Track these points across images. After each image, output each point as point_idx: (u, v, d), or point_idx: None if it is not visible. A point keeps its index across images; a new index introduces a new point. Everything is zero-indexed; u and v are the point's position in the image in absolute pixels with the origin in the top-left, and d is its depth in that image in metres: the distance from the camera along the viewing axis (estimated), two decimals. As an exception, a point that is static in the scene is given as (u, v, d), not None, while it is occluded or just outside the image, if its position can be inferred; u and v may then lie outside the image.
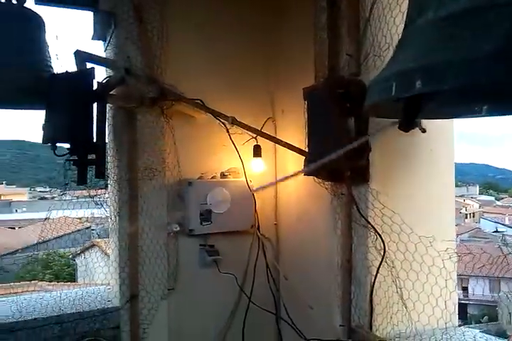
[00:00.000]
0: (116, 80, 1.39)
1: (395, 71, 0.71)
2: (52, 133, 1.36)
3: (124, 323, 1.56)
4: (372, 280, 1.13)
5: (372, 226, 1.12)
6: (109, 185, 1.59)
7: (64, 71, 1.39)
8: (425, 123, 0.84)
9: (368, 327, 1.14)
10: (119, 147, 1.55)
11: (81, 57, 1.40)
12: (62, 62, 1.42)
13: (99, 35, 1.69)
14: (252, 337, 1.73)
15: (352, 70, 1.23)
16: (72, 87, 1.35)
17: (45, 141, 1.37)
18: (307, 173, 1.24)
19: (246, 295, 1.70)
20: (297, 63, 1.66)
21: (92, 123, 1.38)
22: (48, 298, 1.65)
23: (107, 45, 1.70)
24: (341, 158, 1.00)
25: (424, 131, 0.82)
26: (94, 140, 1.39)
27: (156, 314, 1.59)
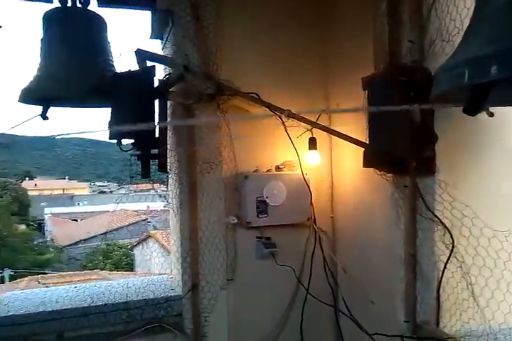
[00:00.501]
0: (176, 77, 1.43)
1: (467, 57, 0.68)
2: (117, 129, 1.42)
3: (186, 311, 1.62)
4: (440, 276, 1.09)
5: (439, 219, 1.07)
6: (170, 179, 1.66)
7: (126, 70, 1.45)
8: (494, 112, 0.79)
9: (435, 324, 1.11)
10: (178, 142, 1.60)
11: (142, 55, 1.45)
12: (124, 61, 1.48)
13: (156, 33, 1.75)
14: (310, 330, 1.73)
15: (414, 57, 1.18)
16: (135, 85, 1.41)
17: (111, 137, 1.44)
18: (367, 165, 1.21)
19: (304, 287, 1.71)
20: (352, 55, 1.63)
21: (154, 120, 1.44)
22: (115, 286, 1.75)
23: (165, 44, 1.75)
24: (406, 149, 0.96)
25: (491, 115, 0.77)
26: (157, 135, 1.45)
27: (215, 303, 1.63)
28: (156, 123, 1.43)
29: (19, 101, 1.47)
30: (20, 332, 1.47)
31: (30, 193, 25.39)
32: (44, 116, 1.47)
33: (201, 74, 1.50)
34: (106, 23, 1.54)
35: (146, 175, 1.50)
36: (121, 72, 1.43)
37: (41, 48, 1.48)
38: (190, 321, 1.62)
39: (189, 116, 1.59)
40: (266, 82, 1.68)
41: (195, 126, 1.59)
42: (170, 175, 1.66)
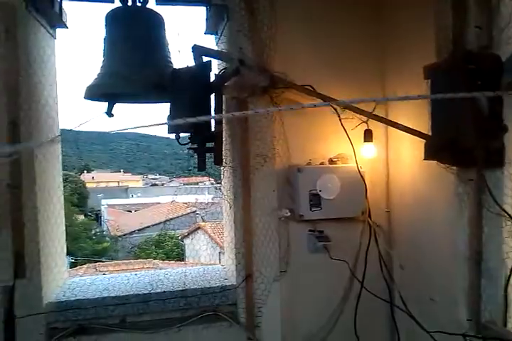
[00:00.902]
0: (231, 71, 1.45)
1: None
2: (176, 124, 1.47)
3: (241, 301, 1.66)
4: (508, 274, 1.03)
5: (508, 214, 1.01)
6: (224, 172, 1.69)
7: (184, 66, 1.49)
8: None
9: (502, 324, 1.05)
10: (233, 135, 1.63)
11: (198, 51, 1.48)
12: (182, 57, 1.52)
13: (211, 29, 1.78)
14: (364, 325, 1.71)
15: (482, 43, 1.11)
16: (192, 81, 1.44)
17: (170, 131, 1.49)
18: (429, 158, 1.17)
19: (359, 282, 1.69)
20: (411, 43, 1.56)
21: (211, 114, 1.47)
22: (173, 274, 1.83)
23: (219, 38, 1.78)
24: (473, 140, 0.91)
25: None
26: (212, 129, 1.48)
27: (269, 294, 1.65)
28: (211, 117, 1.46)
29: (84, 97, 1.56)
30: (86, 315, 1.57)
31: (88, 185, 26.92)
32: (109, 113, 1.55)
33: (255, 68, 1.51)
34: (164, 21, 1.59)
35: (202, 168, 1.54)
36: (180, 68, 1.47)
37: (104, 47, 1.56)
38: (244, 311, 1.66)
39: (243, 110, 1.61)
40: (320, 74, 1.66)
41: (249, 120, 1.61)
42: (224, 168, 1.70)
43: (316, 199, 1.66)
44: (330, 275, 1.73)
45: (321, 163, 1.71)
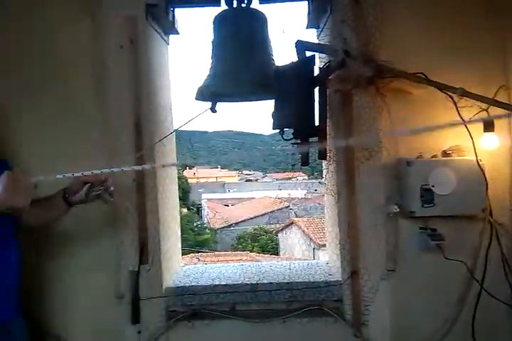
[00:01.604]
0: (336, 64, 1.43)
1: None
2: (280, 120, 1.50)
3: (347, 297, 1.63)
4: None
5: None
6: (327, 166, 1.68)
7: (287, 62, 1.50)
8: None
9: None
10: (336, 129, 1.60)
11: (301, 46, 1.49)
12: (284, 54, 1.54)
13: (313, 22, 1.77)
14: (484, 330, 1.57)
15: None
16: (296, 76, 1.45)
17: (274, 127, 1.53)
18: None
19: (479, 284, 1.55)
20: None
21: (314, 108, 1.47)
22: (278, 267, 1.87)
23: (321, 32, 1.76)
24: None
25: None
26: (316, 123, 1.48)
27: (377, 293, 1.60)
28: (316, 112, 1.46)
29: (195, 99, 1.67)
30: (199, 301, 1.69)
31: (190, 181, 28.83)
32: (213, 109, 1.64)
33: (361, 58, 1.47)
34: (267, 19, 1.63)
35: (305, 163, 1.55)
36: (283, 65, 1.49)
37: (212, 49, 1.65)
38: (350, 308, 1.63)
39: (347, 103, 1.57)
40: (430, 61, 1.55)
41: (354, 112, 1.57)
42: (328, 163, 1.68)
43: (428, 195, 1.56)
44: (444, 276, 1.62)
45: (434, 156, 1.60)
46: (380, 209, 1.61)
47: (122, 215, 1.62)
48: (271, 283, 1.69)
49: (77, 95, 1.65)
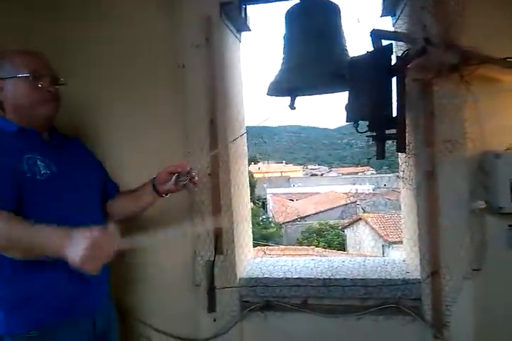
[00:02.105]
0: (416, 52, 1.36)
1: None
2: (354, 112, 1.46)
3: (426, 297, 1.56)
4: None
5: None
6: (406, 159, 1.61)
7: (362, 52, 1.46)
8: None
9: None
10: (416, 120, 1.53)
11: (377, 35, 1.43)
12: (359, 44, 1.50)
13: (388, 10, 1.69)
14: None
15: None
16: (371, 66, 1.40)
17: (348, 119, 1.49)
18: None
19: None
20: None
21: (392, 99, 1.41)
22: (351, 262, 1.84)
23: (397, 20, 1.68)
24: None
25: None
26: (394, 115, 1.42)
27: (459, 293, 1.51)
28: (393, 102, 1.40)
29: (267, 94, 1.68)
30: (272, 293, 1.71)
31: (255, 176, 29.23)
32: (292, 106, 1.64)
33: (443, 45, 1.38)
34: (340, 10, 1.59)
35: (381, 156, 1.50)
36: (358, 56, 1.45)
37: (284, 44, 1.65)
38: (430, 307, 1.56)
39: (427, 92, 1.49)
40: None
41: (435, 102, 1.48)
42: (406, 156, 1.61)
43: (519, 190, 1.43)
44: (537, 278, 1.49)
45: (525, 148, 1.47)
46: (464, 204, 1.51)
47: (198, 208, 1.69)
48: (344, 278, 1.67)
49: (156, 93, 1.75)
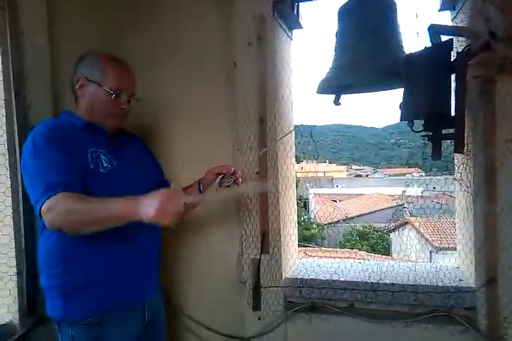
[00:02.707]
0: (479, 47, 1.29)
1: None
2: (410, 110, 1.41)
3: (481, 306, 1.48)
4: None
5: None
6: (464, 160, 1.53)
7: (419, 48, 1.40)
8: None
9: None
10: (475, 119, 1.45)
11: (436, 30, 1.37)
12: (417, 39, 1.44)
13: (447, 5, 1.62)
14: None
15: None
16: (429, 63, 1.35)
17: (402, 118, 1.44)
18: None
19: None
20: None
21: (450, 97, 1.34)
22: (399, 267, 1.78)
23: (456, 14, 1.60)
24: None
25: None
26: (452, 113, 1.35)
27: (519, 304, 1.42)
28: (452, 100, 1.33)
29: (317, 92, 1.66)
30: (317, 294, 1.69)
31: (298, 175, 28.96)
32: (336, 102, 1.61)
33: (508, 39, 1.29)
34: (396, 5, 1.54)
35: (437, 157, 1.44)
36: (415, 52, 1.40)
37: (336, 41, 1.62)
38: (485, 318, 1.47)
39: (489, 90, 1.41)
40: None
41: (497, 100, 1.40)
42: (463, 157, 1.53)
43: None
44: None
45: None
46: (527, 210, 1.41)
47: (246, 206, 1.70)
48: (393, 283, 1.61)
49: (208, 91, 1.77)
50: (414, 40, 1.50)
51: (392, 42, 1.51)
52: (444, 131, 1.41)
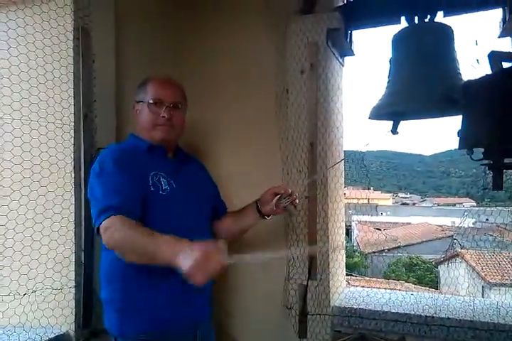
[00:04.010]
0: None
1: None
2: (470, 138, 1.37)
3: (551, 350, 1.36)
4: None
5: None
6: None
7: (480, 75, 1.38)
8: None
9: None
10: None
11: (496, 57, 1.35)
12: (475, 66, 1.42)
13: (508, 31, 1.59)
14: None
15: None
16: (490, 90, 1.31)
17: (461, 146, 1.40)
18: None
19: None
20: None
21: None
22: (455, 301, 1.68)
23: (517, 40, 1.57)
24: None
25: None
26: (515, 142, 1.30)
27: None
28: None
29: (369, 118, 1.65)
30: (366, 325, 1.63)
31: (340, 201, 28.26)
32: (394, 131, 1.59)
33: None
34: (452, 32, 1.53)
35: (498, 187, 1.37)
36: (474, 79, 1.37)
37: (390, 68, 1.63)
38: (555, 363, 1.35)
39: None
40: None
41: None
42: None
43: None
44: None
45: None
46: None
47: (294, 230, 1.70)
48: (449, 318, 1.53)
49: (260, 116, 1.82)
50: (470, 67, 1.48)
51: (448, 68, 1.49)
52: (506, 160, 1.35)
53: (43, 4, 1.42)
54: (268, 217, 1.45)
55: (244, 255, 1.15)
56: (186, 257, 0.98)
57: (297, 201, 1.42)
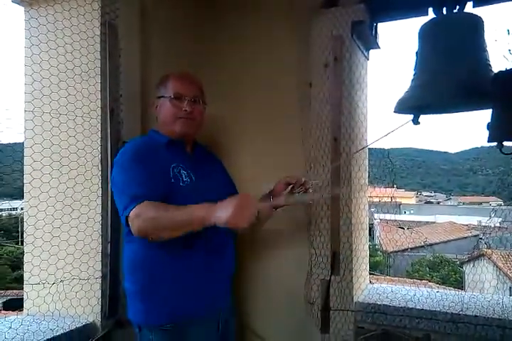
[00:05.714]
0: None
1: None
2: (500, 131, 1.33)
3: None
4: None
5: None
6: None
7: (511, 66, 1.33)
8: None
9: None
10: None
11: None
12: (508, 57, 1.37)
13: (541, 20, 1.53)
14: None
15: None
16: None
17: (490, 139, 1.36)
18: None
19: None
20: None
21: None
22: (483, 299, 1.64)
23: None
24: None
25: None
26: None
27: None
28: None
29: (394, 111, 1.62)
30: (390, 322, 1.60)
31: (363, 199, 27.90)
32: (415, 121, 1.56)
33: None
34: (482, 23, 1.48)
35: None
36: (506, 70, 1.33)
37: (416, 60, 1.59)
38: None
39: None
40: None
41: None
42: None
43: None
44: None
45: None
46: None
47: (317, 225, 1.69)
48: (476, 316, 1.49)
49: (283, 110, 1.82)
50: (501, 58, 1.43)
51: (477, 60, 1.45)
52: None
53: (72, 0, 1.45)
54: (275, 209, 1.45)
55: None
56: (223, 210, 1.07)
57: (310, 190, 1.42)
